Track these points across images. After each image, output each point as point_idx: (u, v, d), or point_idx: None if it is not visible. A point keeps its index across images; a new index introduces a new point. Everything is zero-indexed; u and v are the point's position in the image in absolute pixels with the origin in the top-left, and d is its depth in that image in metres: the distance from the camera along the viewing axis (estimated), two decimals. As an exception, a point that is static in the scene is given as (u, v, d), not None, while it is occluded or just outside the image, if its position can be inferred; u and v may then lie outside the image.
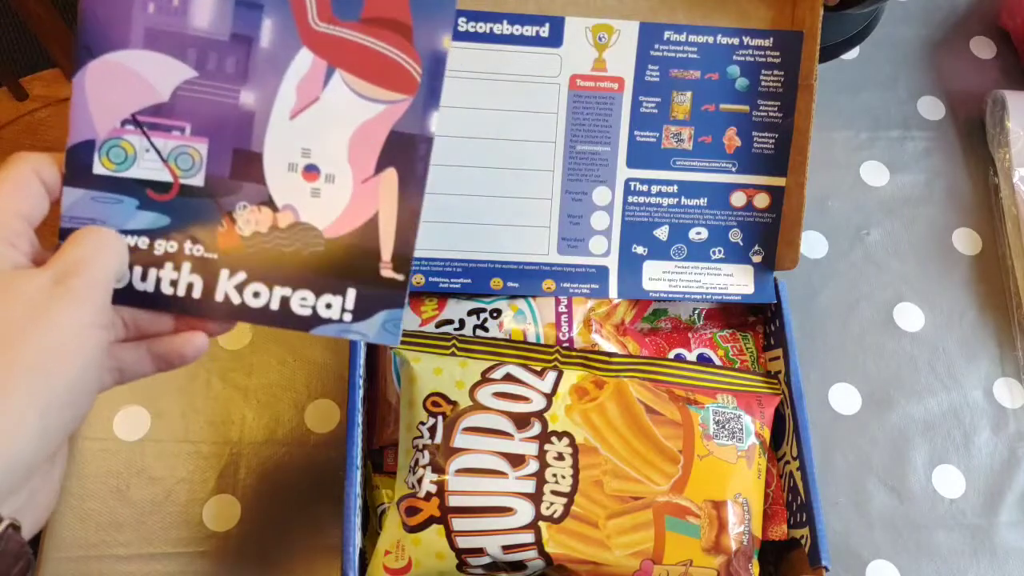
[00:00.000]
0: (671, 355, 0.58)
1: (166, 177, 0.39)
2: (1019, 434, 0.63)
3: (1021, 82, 0.77)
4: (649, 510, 0.49)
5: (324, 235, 0.40)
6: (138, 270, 0.39)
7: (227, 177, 0.39)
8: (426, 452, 0.50)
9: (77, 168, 0.38)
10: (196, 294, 0.39)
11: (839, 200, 0.71)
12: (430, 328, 0.55)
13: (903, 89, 0.76)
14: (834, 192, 0.71)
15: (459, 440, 0.50)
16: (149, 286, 0.39)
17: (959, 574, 0.59)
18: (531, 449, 0.50)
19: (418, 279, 0.56)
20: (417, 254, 0.56)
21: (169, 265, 0.39)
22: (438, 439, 0.50)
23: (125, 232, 0.38)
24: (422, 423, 0.51)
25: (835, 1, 0.57)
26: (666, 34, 0.55)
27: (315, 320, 0.40)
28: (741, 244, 0.58)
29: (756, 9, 0.55)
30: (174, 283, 0.39)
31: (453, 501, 0.49)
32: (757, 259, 0.58)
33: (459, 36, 0.54)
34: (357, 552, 0.49)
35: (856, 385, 0.64)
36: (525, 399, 0.52)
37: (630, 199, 0.57)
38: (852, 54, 0.77)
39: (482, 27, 0.54)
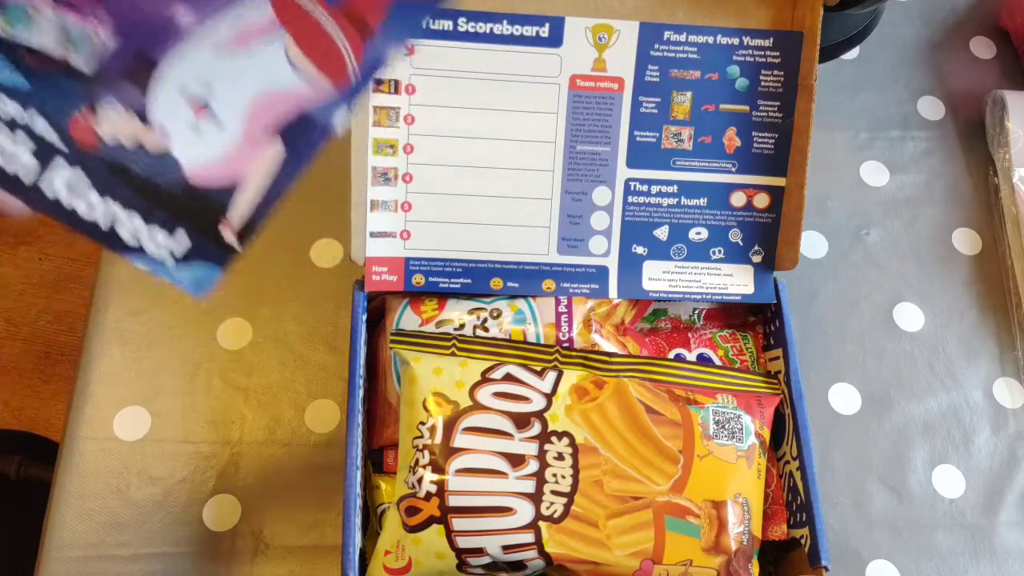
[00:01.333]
0: (671, 355, 0.58)
1: (53, 48, 0.37)
2: (1019, 434, 0.63)
3: (1021, 82, 0.77)
4: (649, 510, 0.49)
5: (184, 174, 0.38)
6: None
7: (114, 72, 0.37)
8: (426, 452, 0.50)
9: None
10: (28, 179, 0.37)
11: (839, 200, 0.71)
12: (430, 328, 0.55)
13: (903, 89, 0.76)
14: (834, 192, 0.71)
15: (459, 440, 0.50)
16: None
17: (959, 574, 0.59)
18: (531, 449, 0.50)
19: (418, 279, 0.56)
20: (417, 254, 0.56)
21: (11, 132, 0.37)
22: (438, 439, 0.50)
23: None
24: (422, 423, 0.51)
25: (835, 1, 0.57)
26: (666, 34, 0.55)
27: (137, 251, 0.39)
28: (741, 244, 0.58)
29: (756, 9, 0.55)
30: (9, 154, 0.37)
31: (453, 501, 0.49)
32: (757, 259, 0.58)
33: (459, 36, 0.54)
34: (357, 552, 0.49)
35: (856, 385, 0.64)
36: (525, 399, 0.52)
37: (630, 199, 0.57)
38: (852, 54, 0.77)
39: (482, 27, 0.54)
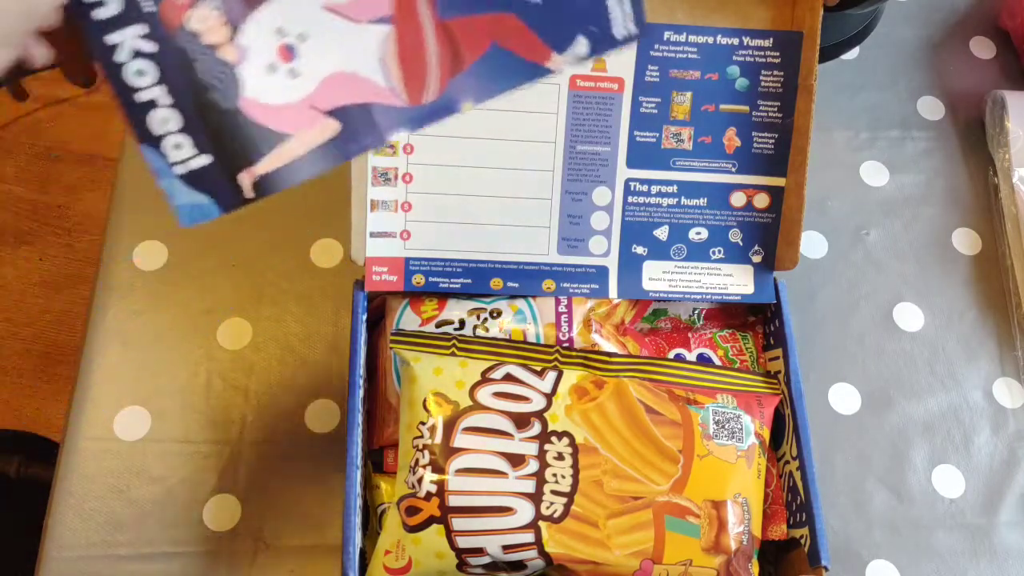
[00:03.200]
0: (671, 355, 0.58)
1: None
2: (1019, 434, 0.63)
3: (1021, 82, 0.77)
4: (649, 510, 0.49)
5: (239, 99, 0.38)
6: None
7: None
8: (426, 452, 0.50)
9: None
10: (102, 22, 0.37)
11: (839, 200, 0.71)
12: (430, 328, 0.55)
13: (903, 89, 0.76)
14: (834, 192, 0.71)
15: (459, 440, 0.50)
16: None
17: (959, 574, 0.59)
18: (531, 449, 0.50)
19: (418, 279, 0.56)
20: (417, 254, 0.56)
21: None
22: (438, 439, 0.50)
23: None
24: (422, 423, 0.51)
25: (835, 1, 0.57)
26: (666, 34, 0.55)
27: (155, 144, 0.39)
28: (741, 244, 0.58)
29: (756, 9, 0.55)
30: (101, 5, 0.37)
31: (453, 501, 0.49)
32: (757, 259, 0.58)
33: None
34: (357, 552, 0.49)
35: (856, 385, 0.64)
36: (525, 399, 0.52)
37: (630, 199, 0.57)
38: (852, 54, 0.77)
39: (482, 27, 0.54)
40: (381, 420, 0.56)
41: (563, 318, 0.56)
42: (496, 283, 0.57)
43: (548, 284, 0.57)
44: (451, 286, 0.56)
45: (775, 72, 0.56)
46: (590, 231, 0.57)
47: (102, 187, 1.20)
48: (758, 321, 0.61)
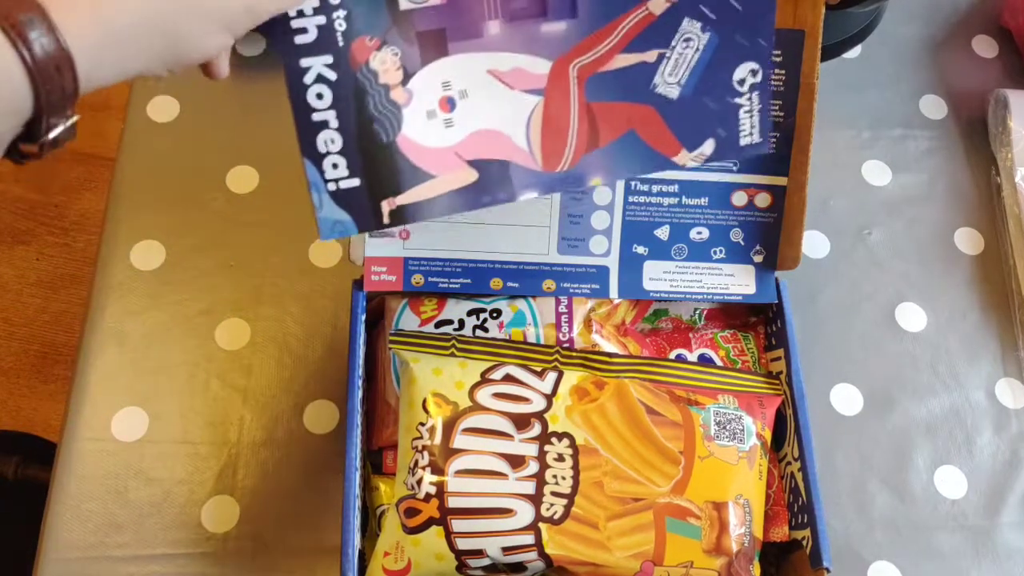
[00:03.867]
0: (672, 355, 0.58)
1: None
2: (1021, 435, 0.63)
3: (1023, 81, 0.77)
4: (650, 511, 0.49)
5: (396, 140, 0.43)
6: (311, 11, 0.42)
7: (421, 36, 0.42)
8: (425, 453, 0.50)
9: None
10: (300, 40, 0.42)
11: (841, 199, 0.71)
12: (429, 328, 0.55)
13: (905, 88, 0.76)
14: (836, 191, 0.71)
15: (459, 441, 0.50)
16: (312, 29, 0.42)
17: (961, 575, 0.58)
18: (531, 450, 0.50)
19: (417, 279, 0.56)
20: (416, 254, 0.56)
21: (322, 17, 0.42)
22: (437, 440, 0.50)
23: None
24: (421, 424, 0.50)
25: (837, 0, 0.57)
26: (667, 33, 0.55)
27: (318, 160, 0.43)
28: (742, 244, 0.58)
29: (757, 7, 0.55)
30: (306, 21, 0.42)
31: (453, 502, 0.48)
32: (758, 259, 0.58)
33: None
34: (356, 553, 0.49)
35: (858, 385, 0.64)
36: (525, 400, 0.51)
37: (631, 199, 0.57)
38: (854, 53, 0.76)
39: (482, 26, 0.53)
40: (380, 421, 0.55)
41: (563, 318, 0.56)
42: (496, 283, 0.56)
43: (548, 284, 0.57)
44: (450, 286, 0.56)
45: (776, 71, 0.55)
46: (590, 231, 0.57)
47: (100, 186, 1.20)
48: (760, 321, 0.61)
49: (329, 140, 0.43)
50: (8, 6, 0.32)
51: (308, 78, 0.43)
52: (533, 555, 0.48)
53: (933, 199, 0.71)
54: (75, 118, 0.36)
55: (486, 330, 0.55)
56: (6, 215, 1.11)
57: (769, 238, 0.58)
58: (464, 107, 0.43)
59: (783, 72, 0.56)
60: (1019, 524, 0.60)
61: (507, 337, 0.55)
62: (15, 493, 0.87)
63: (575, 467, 0.50)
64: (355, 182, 0.43)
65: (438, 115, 0.43)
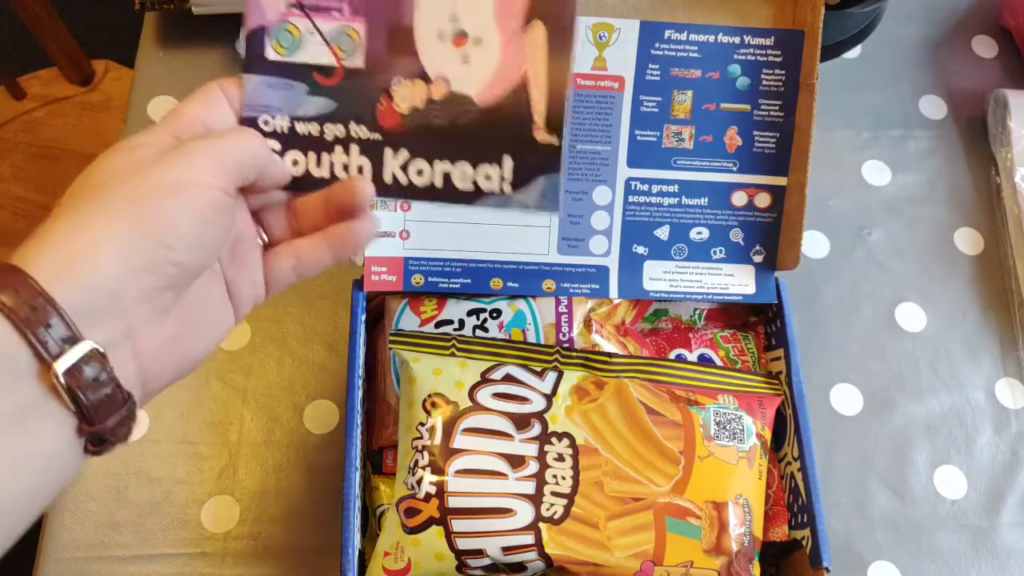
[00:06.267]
0: (672, 355, 0.58)
1: (330, 60, 0.40)
2: (1021, 435, 0.63)
3: (1023, 81, 0.77)
4: (650, 511, 0.49)
5: (476, 102, 0.40)
6: (312, 156, 0.40)
7: (383, 53, 0.40)
8: (425, 453, 0.50)
9: (253, 55, 0.40)
10: (367, 176, 0.40)
11: (841, 199, 0.71)
12: (429, 328, 0.55)
13: (905, 88, 0.76)
14: (836, 191, 0.71)
15: (459, 441, 0.50)
16: (324, 171, 0.40)
17: (960, 575, 0.58)
18: (531, 450, 0.50)
19: (417, 279, 0.56)
20: (416, 254, 0.56)
21: (339, 149, 0.40)
22: (437, 440, 0.50)
23: (297, 119, 0.40)
24: (421, 424, 0.50)
25: (836, 0, 0.57)
26: (667, 33, 0.55)
27: (477, 194, 0.40)
28: (742, 244, 0.58)
29: (757, 8, 0.55)
30: (346, 167, 0.40)
31: (453, 502, 0.48)
32: (758, 259, 0.58)
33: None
34: (356, 553, 0.49)
35: (858, 385, 0.64)
36: (525, 400, 0.51)
37: (631, 199, 0.57)
38: (854, 53, 0.76)
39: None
40: (380, 421, 0.55)
41: (563, 318, 0.56)
42: (496, 283, 0.56)
43: (548, 284, 0.57)
44: (450, 286, 0.56)
45: (776, 71, 0.56)
46: (590, 231, 0.57)
47: (101, 186, 1.20)
48: (759, 321, 0.61)
49: (463, 176, 0.41)
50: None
51: (390, 176, 0.41)
52: (533, 555, 0.48)
53: (933, 199, 0.71)
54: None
55: (486, 330, 0.55)
56: (6, 215, 1.11)
57: (769, 238, 0.58)
58: (466, 18, 0.41)
59: (783, 72, 0.56)
60: (1019, 524, 0.60)
61: (507, 337, 0.55)
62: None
63: (575, 467, 0.50)
64: (509, 162, 0.41)
65: (465, 51, 0.40)
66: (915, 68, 0.77)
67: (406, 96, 0.40)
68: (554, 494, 0.49)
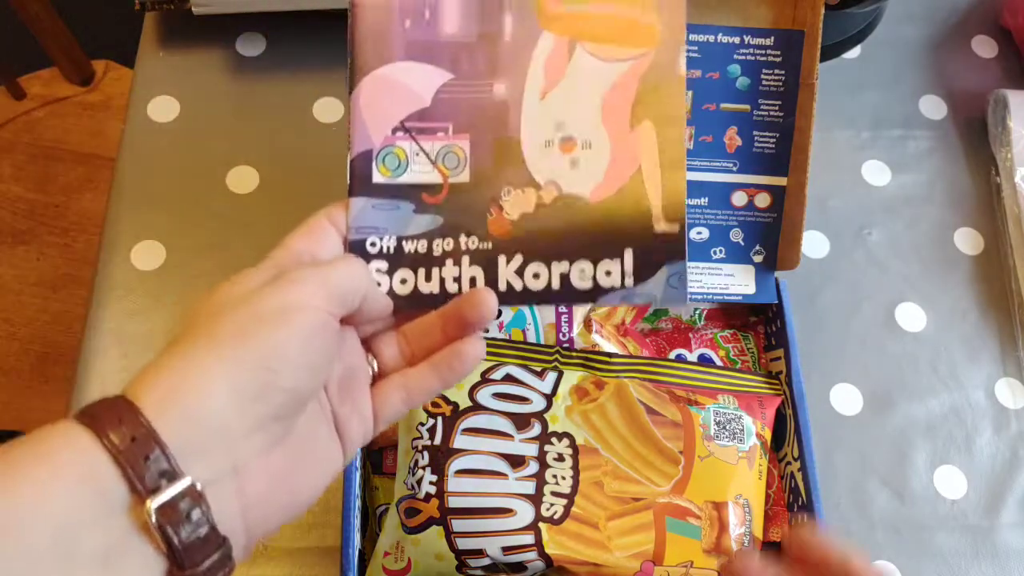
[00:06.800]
0: (672, 355, 0.58)
1: (436, 178, 0.40)
2: (1021, 435, 0.63)
3: (1023, 81, 0.77)
4: (650, 511, 0.49)
5: (590, 201, 0.40)
6: (421, 272, 0.39)
7: (489, 167, 0.40)
8: (425, 453, 0.50)
9: (359, 178, 0.40)
10: (479, 286, 0.40)
11: (840, 200, 0.71)
12: (430, 328, 0.55)
13: (905, 88, 0.76)
14: (835, 192, 0.71)
15: (459, 441, 0.50)
16: (434, 287, 0.39)
17: (960, 575, 0.58)
18: (531, 450, 0.50)
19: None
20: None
21: (449, 262, 0.40)
22: (437, 440, 0.50)
23: (404, 238, 0.39)
24: (421, 424, 0.50)
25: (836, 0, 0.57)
26: (667, 33, 0.55)
27: (597, 291, 0.40)
28: (742, 244, 0.58)
29: (757, 8, 0.55)
30: (457, 279, 0.39)
31: (453, 502, 0.48)
32: (758, 259, 0.58)
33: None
34: (356, 553, 0.49)
35: (857, 385, 0.64)
36: (525, 400, 0.51)
37: (631, 199, 0.57)
38: (853, 53, 0.76)
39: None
40: (380, 421, 0.55)
41: (563, 318, 0.56)
42: (496, 283, 0.56)
43: (548, 284, 0.57)
44: (451, 286, 0.56)
45: (776, 71, 0.56)
46: (590, 231, 0.57)
47: (100, 186, 1.20)
48: (759, 321, 0.61)
49: (582, 275, 0.40)
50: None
51: (504, 283, 0.40)
52: (533, 555, 0.48)
53: (933, 199, 0.71)
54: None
55: (486, 330, 0.55)
56: (6, 215, 1.11)
57: (769, 238, 0.58)
58: (574, 123, 0.41)
59: (783, 72, 0.56)
60: (1019, 524, 0.60)
61: (507, 337, 0.55)
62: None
63: (575, 467, 0.50)
64: (629, 256, 0.40)
65: (574, 155, 0.41)
66: (915, 68, 0.77)
67: (516, 204, 0.40)
68: (554, 494, 0.49)
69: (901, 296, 0.67)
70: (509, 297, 0.40)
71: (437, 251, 0.40)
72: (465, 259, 0.40)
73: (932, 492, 0.61)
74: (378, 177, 0.40)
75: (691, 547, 0.49)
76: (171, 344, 0.32)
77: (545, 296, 0.40)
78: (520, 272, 0.40)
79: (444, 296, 0.39)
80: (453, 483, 0.49)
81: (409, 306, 0.39)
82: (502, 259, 0.40)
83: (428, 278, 0.39)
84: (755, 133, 0.56)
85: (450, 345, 0.38)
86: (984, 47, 0.78)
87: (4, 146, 1.08)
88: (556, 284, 0.40)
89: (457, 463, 0.49)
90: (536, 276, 0.40)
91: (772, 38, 0.55)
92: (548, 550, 0.48)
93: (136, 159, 0.68)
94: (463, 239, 0.40)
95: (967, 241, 0.70)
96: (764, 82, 0.56)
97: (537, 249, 0.40)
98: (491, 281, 0.40)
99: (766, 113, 0.56)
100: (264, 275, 0.34)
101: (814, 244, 0.69)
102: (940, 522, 0.60)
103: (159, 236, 0.65)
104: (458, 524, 0.48)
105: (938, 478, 0.61)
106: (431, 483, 0.49)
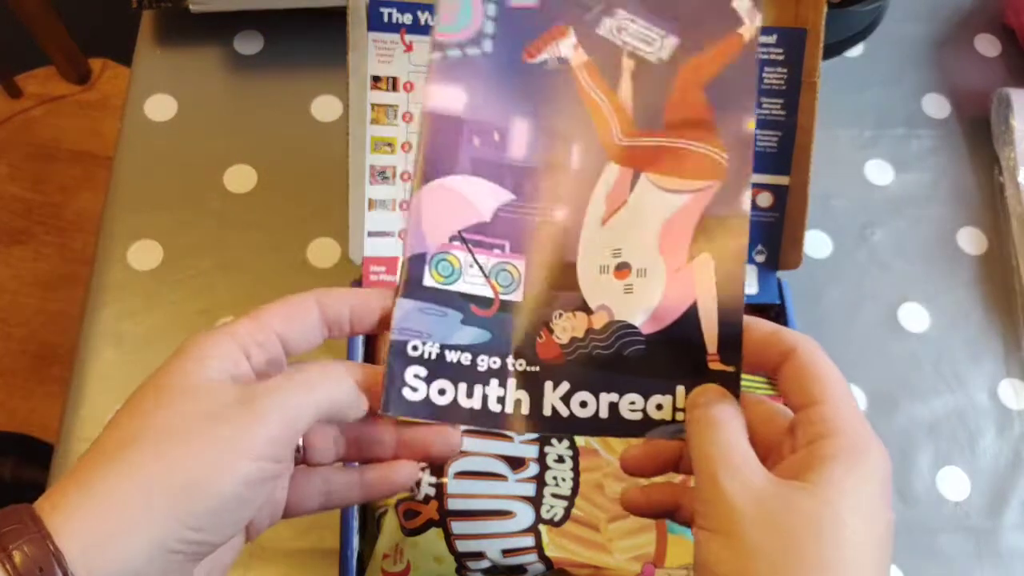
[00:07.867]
0: (673, 356, 0.57)
1: (487, 292, 0.40)
2: (1025, 436, 0.63)
3: (1026, 80, 0.76)
4: (651, 514, 0.49)
5: (642, 331, 0.39)
6: (463, 386, 0.38)
7: (543, 290, 0.40)
8: (425, 455, 0.49)
9: (410, 280, 0.39)
10: (524, 410, 0.39)
11: (843, 199, 0.70)
12: (429, 329, 0.55)
13: (908, 87, 0.75)
14: (838, 191, 0.70)
15: (458, 442, 0.49)
16: (476, 403, 0.38)
17: (964, 577, 0.58)
18: (531, 452, 0.50)
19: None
20: (416, 254, 0.55)
21: (495, 382, 0.39)
22: (437, 441, 0.49)
23: (448, 347, 0.38)
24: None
25: (839, -3, 0.57)
26: (668, 30, 0.54)
27: (647, 424, 0.38)
28: (744, 243, 0.57)
29: (760, 5, 0.54)
30: (501, 400, 0.39)
31: (452, 504, 0.48)
32: (760, 259, 0.57)
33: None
34: (355, 555, 0.49)
35: (860, 386, 0.63)
36: (525, 401, 0.51)
37: (632, 198, 0.56)
38: (856, 51, 0.76)
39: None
40: (379, 422, 0.55)
41: (564, 318, 0.55)
42: (496, 283, 0.56)
43: (548, 284, 0.56)
44: (450, 286, 0.55)
45: (778, 69, 0.55)
46: (591, 230, 0.56)
47: (97, 186, 1.20)
48: (761, 321, 0.60)
49: (632, 406, 0.39)
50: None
51: (549, 409, 0.39)
52: (533, 557, 0.48)
53: (936, 198, 0.71)
54: None
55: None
56: (2, 214, 1.11)
57: (771, 238, 0.57)
58: (630, 251, 0.40)
59: (784, 71, 0.55)
60: (1022, 526, 0.60)
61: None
62: (11, 494, 0.86)
63: (575, 469, 0.49)
64: (681, 391, 0.38)
65: (628, 281, 0.40)
66: (918, 67, 0.76)
67: (566, 327, 0.39)
68: (554, 496, 0.49)
69: (904, 296, 0.67)
70: (555, 424, 0.39)
71: (482, 367, 0.39)
72: (511, 382, 0.39)
73: (935, 493, 0.60)
74: (429, 281, 0.39)
75: (692, 549, 0.49)
76: (104, 454, 0.32)
77: (593, 425, 0.38)
78: (566, 399, 0.39)
79: (485, 414, 0.38)
80: (453, 485, 0.48)
81: (445, 418, 0.38)
82: (548, 384, 0.39)
83: (470, 394, 0.38)
84: (757, 132, 0.56)
85: (388, 464, 0.38)
86: (987, 45, 0.78)
87: (1, 145, 1.08)
88: (604, 413, 0.38)
89: (457, 465, 0.49)
90: (583, 404, 0.38)
91: (774, 36, 0.55)
92: (548, 552, 0.48)
93: (133, 158, 0.68)
94: (511, 360, 0.39)
95: (971, 241, 0.69)
96: (766, 81, 0.55)
97: (587, 377, 0.39)
98: (536, 406, 0.39)
99: (768, 112, 0.56)
100: (227, 363, 0.33)
101: (816, 244, 0.68)
102: (943, 523, 0.60)
103: (156, 235, 0.65)
104: (458, 526, 0.48)
105: (941, 479, 0.61)
106: (430, 485, 0.48)
